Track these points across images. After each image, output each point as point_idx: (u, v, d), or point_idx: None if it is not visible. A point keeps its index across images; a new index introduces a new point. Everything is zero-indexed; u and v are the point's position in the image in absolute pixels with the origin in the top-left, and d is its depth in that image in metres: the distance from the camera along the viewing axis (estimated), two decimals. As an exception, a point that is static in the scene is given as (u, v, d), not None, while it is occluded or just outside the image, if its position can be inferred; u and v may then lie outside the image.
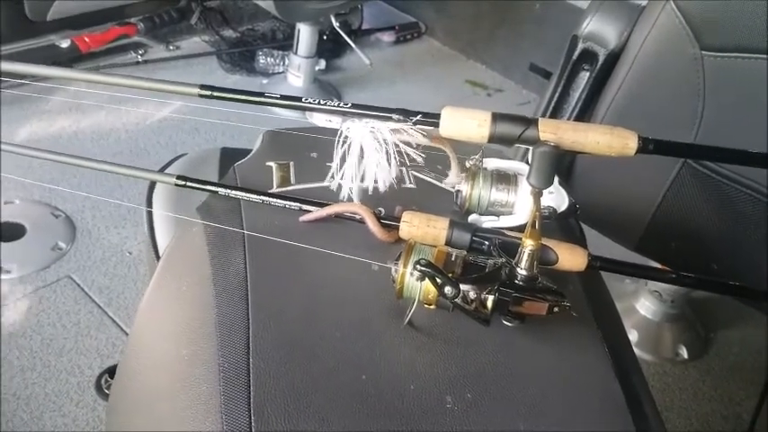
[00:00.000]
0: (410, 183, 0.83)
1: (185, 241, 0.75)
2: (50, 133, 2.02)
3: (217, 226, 0.71)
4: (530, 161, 0.72)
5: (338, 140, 0.71)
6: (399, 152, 0.71)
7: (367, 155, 0.71)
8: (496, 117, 0.68)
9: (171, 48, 2.48)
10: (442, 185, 0.84)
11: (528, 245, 0.61)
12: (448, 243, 0.72)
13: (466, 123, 0.69)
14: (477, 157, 0.79)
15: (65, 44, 2.17)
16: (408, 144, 0.71)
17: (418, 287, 0.62)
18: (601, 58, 1.14)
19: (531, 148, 0.71)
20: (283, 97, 0.72)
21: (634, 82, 1.11)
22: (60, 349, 1.46)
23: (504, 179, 0.77)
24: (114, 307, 1.57)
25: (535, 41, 2.64)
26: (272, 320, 0.63)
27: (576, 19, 1.19)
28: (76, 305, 1.56)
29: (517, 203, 0.76)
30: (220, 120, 0.81)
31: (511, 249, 0.70)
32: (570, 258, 0.71)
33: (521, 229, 0.75)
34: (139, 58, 2.36)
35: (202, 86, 0.73)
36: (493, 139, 0.69)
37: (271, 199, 0.74)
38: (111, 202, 1.74)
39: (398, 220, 0.73)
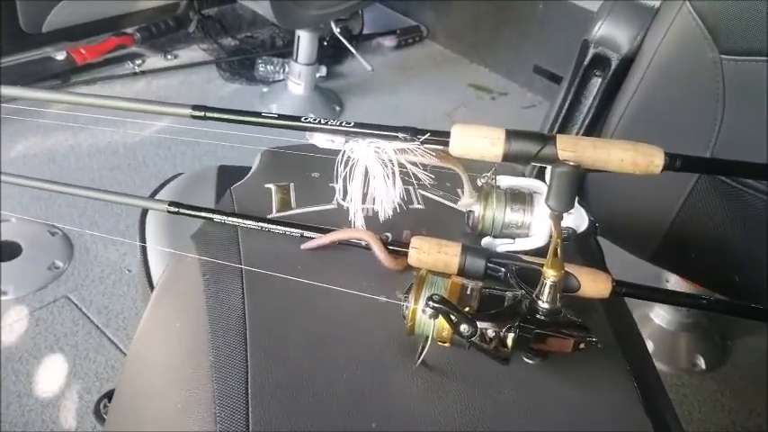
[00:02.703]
0: (418, 203, 0.78)
1: (179, 272, 0.70)
2: (47, 148, 1.98)
3: (212, 260, 0.66)
4: (548, 182, 0.67)
5: (341, 161, 0.66)
6: (407, 173, 0.66)
7: (372, 177, 0.66)
8: (510, 135, 0.63)
9: (169, 57, 2.43)
10: (452, 205, 0.79)
11: (550, 276, 0.56)
12: (461, 270, 0.67)
13: (478, 142, 0.64)
14: (489, 174, 0.74)
15: (60, 56, 2.12)
16: (416, 164, 0.66)
17: (431, 325, 0.57)
18: (613, 64, 1.09)
19: (548, 167, 0.66)
20: (281, 117, 0.67)
21: (649, 88, 1.06)
22: (58, 373, 1.41)
23: (520, 198, 0.72)
24: (113, 327, 1.52)
25: (539, 43, 2.58)
26: (273, 363, 0.58)
27: (581, 19, 1.14)
28: (74, 326, 1.51)
29: (533, 224, 0.71)
30: (217, 137, 0.76)
31: (530, 277, 0.65)
32: (593, 285, 0.66)
33: (538, 252, 0.70)
34: (137, 69, 2.31)
35: (195, 107, 0.68)
36: (507, 158, 0.64)
37: (270, 225, 0.70)
38: (98, 235, 1.69)
39: (407, 245, 0.68)
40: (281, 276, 0.64)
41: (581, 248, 0.76)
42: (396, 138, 0.65)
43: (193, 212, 0.70)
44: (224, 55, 2.49)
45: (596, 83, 1.12)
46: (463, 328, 0.54)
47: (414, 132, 0.65)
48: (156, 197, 0.87)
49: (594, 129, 1.15)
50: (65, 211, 1.77)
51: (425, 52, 2.80)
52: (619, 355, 0.65)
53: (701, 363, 1.71)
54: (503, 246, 0.71)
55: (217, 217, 0.70)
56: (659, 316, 1.75)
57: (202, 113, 0.68)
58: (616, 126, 1.11)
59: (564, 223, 0.70)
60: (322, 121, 0.66)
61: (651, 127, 1.08)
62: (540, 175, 0.78)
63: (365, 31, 2.67)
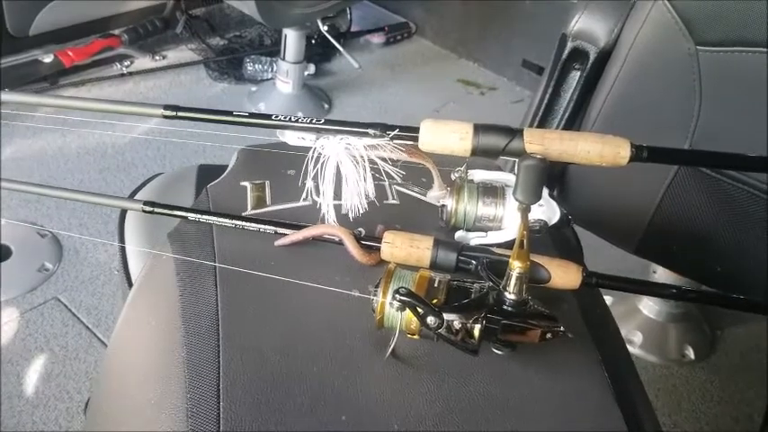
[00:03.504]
0: (393, 198, 0.79)
1: (156, 270, 0.71)
2: (36, 150, 1.98)
3: (186, 257, 0.67)
4: (517, 175, 0.67)
5: (311, 158, 0.67)
6: (379, 169, 0.67)
7: (344, 173, 0.67)
8: (479, 129, 0.64)
9: (157, 58, 2.44)
10: (425, 199, 0.80)
11: (516, 267, 0.57)
12: (433, 264, 0.67)
13: (447, 137, 0.64)
14: (461, 169, 0.75)
15: (48, 59, 2.12)
16: (386, 160, 0.67)
17: (399, 317, 0.57)
18: (591, 57, 1.09)
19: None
20: (252, 115, 0.68)
21: (626, 80, 1.06)
22: (48, 374, 1.42)
23: (492, 192, 0.73)
24: (103, 327, 1.53)
25: (527, 37, 2.59)
26: (245, 358, 0.59)
27: (569, 13, 1.14)
28: (64, 327, 1.52)
29: (506, 218, 0.72)
30: (203, 137, 0.77)
31: (500, 269, 0.66)
32: (563, 276, 0.66)
33: (510, 245, 0.71)
34: (125, 70, 2.32)
35: (166, 107, 0.69)
36: (476, 152, 0.64)
37: (244, 223, 0.70)
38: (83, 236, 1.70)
39: (380, 240, 0.69)
40: (254, 273, 0.65)
41: (555, 239, 0.76)
42: (366, 134, 0.66)
43: (168, 211, 0.71)
44: (212, 55, 2.50)
45: (575, 76, 1.13)
46: (430, 319, 0.55)
47: (383, 128, 0.66)
48: (136, 197, 0.88)
49: (574, 122, 1.16)
50: (54, 212, 1.77)
51: (414, 49, 2.81)
52: (590, 344, 0.66)
53: (691, 353, 1.72)
54: (475, 239, 0.72)
55: (191, 215, 0.70)
56: (648, 307, 1.76)
57: (174, 113, 0.68)
58: (595, 119, 1.12)
59: (535, 215, 0.71)
60: (292, 119, 0.67)
61: (630, 119, 1.09)
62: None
63: (353, 29, 2.67)
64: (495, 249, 0.68)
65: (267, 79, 2.40)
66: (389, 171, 0.66)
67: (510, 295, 0.57)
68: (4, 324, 1.50)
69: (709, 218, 1.09)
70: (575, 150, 0.64)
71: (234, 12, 2.62)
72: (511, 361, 0.60)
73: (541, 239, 0.73)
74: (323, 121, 0.67)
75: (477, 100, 2.54)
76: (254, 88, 2.38)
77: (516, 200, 0.63)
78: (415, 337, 0.59)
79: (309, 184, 0.68)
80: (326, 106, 2.35)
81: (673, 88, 1.03)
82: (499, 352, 0.58)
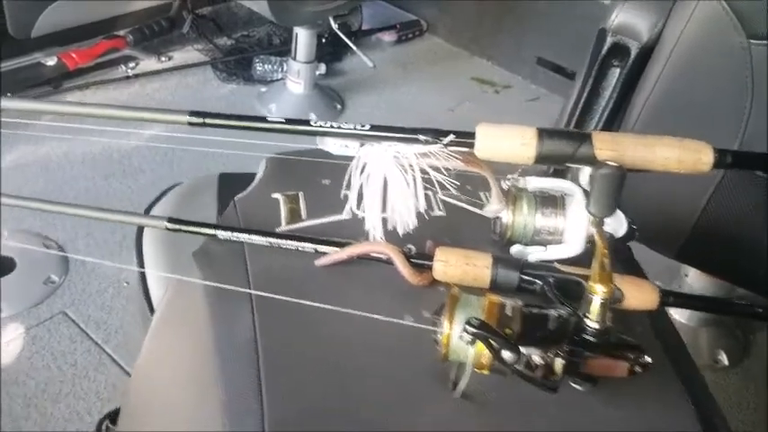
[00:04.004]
0: (439, 209, 0.72)
1: (181, 294, 0.64)
2: (39, 156, 1.91)
3: (218, 284, 0.60)
4: (583, 184, 0.61)
5: (355, 168, 0.60)
6: (426, 178, 0.60)
7: (392, 184, 0.60)
8: (543, 134, 0.57)
9: (163, 59, 2.36)
10: (477, 211, 0.73)
11: (598, 291, 0.50)
12: (492, 283, 0.61)
13: (507, 143, 0.58)
14: (514, 176, 0.68)
15: (51, 62, 2.05)
16: (438, 169, 0.60)
17: (469, 352, 0.50)
18: (633, 53, 1.02)
19: (580, 168, 0.60)
20: (289, 121, 0.61)
21: (672, 77, 1.00)
22: (57, 394, 1.35)
23: (551, 202, 0.66)
24: (113, 344, 1.46)
25: (541, 34, 2.52)
26: (290, 399, 0.52)
27: (585, 8, 1.08)
28: (72, 344, 1.45)
29: (567, 230, 0.65)
30: (213, 143, 0.70)
31: (569, 289, 0.59)
32: (638, 296, 0.60)
33: (574, 260, 0.64)
34: (130, 72, 2.24)
35: (192, 113, 0.62)
36: (540, 159, 0.58)
37: (280, 241, 0.63)
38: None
39: (431, 258, 0.62)
40: (296, 301, 0.58)
41: (618, 255, 0.69)
42: (416, 140, 0.59)
43: (195, 229, 0.64)
44: (219, 55, 2.42)
45: (614, 73, 1.06)
46: (506, 355, 0.48)
47: (435, 134, 0.59)
48: (153, 210, 0.81)
49: (613, 122, 1.09)
50: (58, 221, 1.70)
51: (426, 47, 2.73)
52: (670, 372, 0.59)
53: (724, 358, 1.65)
54: (534, 254, 0.65)
55: (221, 233, 0.64)
56: (679, 311, 1.69)
57: (201, 120, 0.61)
58: (637, 118, 1.05)
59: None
60: (334, 125, 0.60)
61: (675, 118, 1.02)
62: (556, 173, 0.73)
63: (364, 27, 2.60)
64: (560, 267, 0.61)
65: (277, 80, 2.33)
66: (443, 182, 0.59)
67: (592, 323, 0.50)
68: (8, 342, 1.43)
69: (759, 222, 1.02)
70: (651, 156, 0.57)
71: (241, 11, 2.54)
72: (589, 396, 0.53)
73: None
74: (368, 126, 0.60)
75: (492, 99, 2.47)
76: (263, 89, 2.31)
77: (590, 213, 0.56)
78: (483, 371, 0.52)
79: (353, 196, 0.61)
80: (339, 107, 2.28)
81: (723, 84, 0.97)
82: (578, 387, 0.52)
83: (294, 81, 2.23)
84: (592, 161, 0.56)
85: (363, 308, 0.59)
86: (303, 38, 2.13)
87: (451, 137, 0.58)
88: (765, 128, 0.93)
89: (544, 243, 0.66)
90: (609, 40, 1.04)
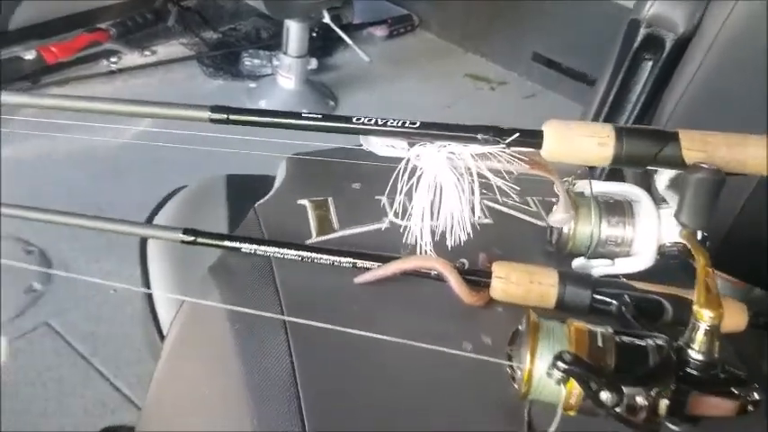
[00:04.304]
0: (486, 217, 0.64)
1: (198, 317, 0.56)
2: (23, 158, 1.79)
3: (243, 308, 0.51)
4: (666, 190, 0.53)
5: (403, 171, 0.52)
6: (487, 184, 0.52)
7: (445, 191, 0.52)
8: (623, 132, 0.50)
9: (147, 53, 2.26)
10: (523, 216, 0.65)
11: (706, 318, 0.43)
12: (559, 303, 0.53)
13: (581, 142, 0.50)
14: (570, 179, 0.60)
15: (30, 56, 1.94)
16: (498, 173, 0.52)
17: (558, 392, 0.42)
18: (668, 45, 0.95)
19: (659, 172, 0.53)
20: (326, 117, 0.53)
21: (710, 72, 0.92)
22: (42, 412, 1.25)
23: (618, 209, 0.58)
24: (101, 357, 1.36)
25: (536, 29, 2.46)
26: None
27: (581, 2, 1.00)
28: (58, 357, 1.35)
29: (636, 241, 0.57)
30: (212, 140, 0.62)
31: (650, 310, 0.52)
32: (726, 316, 0.52)
33: (644, 275, 0.57)
34: (113, 67, 2.14)
35: (214, 108, 0.53)
36: (618, 160, 0.50)
37: (314, 255, 0.55)
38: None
39: (486, 274, 0.54)
40: (338, 329, 0.50)
41: (687, 268, 0.62)
42: (474, 140, 0.51)
43: (216, 242, 0.56)
44: (206, 49, 2.33)
45: (646, 67, 0.99)
46: (605, 397, 0.40)
47: (496, 132, 0.51)
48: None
49: (644, 118, 1.02)
50: (40, 224, 1.59)
51: (418, 42, 2.66)
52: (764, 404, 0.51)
53: None
54: (600, 268, 0.58)
55: (246, 246, 0.55)
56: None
57: (224, 116, 0.53)
58: (671, 115, 0.98)
59: (674, 236, 0.57)
60: (379, 122, 0.52)
61: (713, 114, 0.95)
62: (612, 175, 0.65)
63: (354, 21, 2.52)
64: (636, 284, 0.54)
65: (266, 75, 2.24)
66: (506, 188, 0.51)
67: (697, 355, 0.43)
68: (-13, 355, 1.34)
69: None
70: (744, 157, 0.50)
71: (228, 3, 2.45)
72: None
73: (671, 267, 0.59)
74: (418, 124, 0.52)
75: (488, 95, 2.40)
76: (253, 84, 2.22)
77: (681, 224, 0.49)
78: (569, 413, 0.44)
79: (396, 202, 0.53)
80: (332, 103, 2.19)
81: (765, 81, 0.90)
82: (675, 428, 0.44)
83: (285, 76, 2.14)
84: (678, 163, 0.49)
85: (415, 333, 0.51)
86: (295, 31, 2.04)
87: (516, 135, 0.50)
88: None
89: (609, 255, 0.58)
90: (642, 32, 0.97)
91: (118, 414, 1.28)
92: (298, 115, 0.52)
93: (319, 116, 0.52)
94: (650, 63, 0.99)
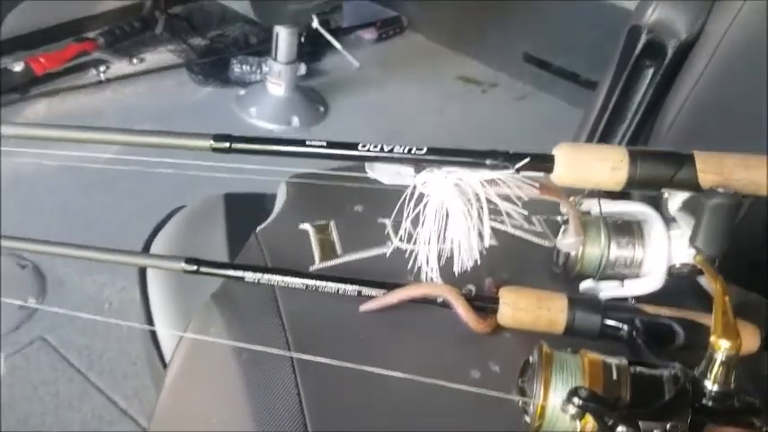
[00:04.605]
0: (491, 239, 0.63)
1: (203, 347, 0.55)
2: (10, 169, 1.77)
3: (248, 344, 0.50)
4: (679, 212, 0.53)
5: (409, 197, 0.51)
6: (496, 210, 0.52)
7: (452, 218, 0.51)
8: (636, 155, 0.49)
9: (135, 62, 2.23)
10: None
11: (722, 348, 0.42)
12: (568, 329, 0.52)
13: (593, 167, 0.49)
14: (577, 198, 0.59)
15: (18, 67, 1.92)
16: (507, 198, 0.51)
17: (570, 426, 0.42)
18: (670, 52, 0.95)
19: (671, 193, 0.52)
20: (331, 144, 0.52)
21: (715, 77, 0.92)
22: (39, 427, 1.24)
23: (627, 230, 0.58)
24: (97, 371, 1.35)
25: (527, 30, 2.45)
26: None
27: (571, 2, 0.99)
28: (54, 372, 1.34)
29: (646, 262, 0.57)
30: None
31: (661, 334, 0.51)
32: (738, 339, 0.52)
33: (654, 297, 0.56)
34: (102, 77, 2.11)
35: (216, 137, 0.52)
36: (632, 184, 0.49)
37: (318, 283, 0.54)
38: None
39: (494, 299, 0.54)
40: (342, 351, 0.49)
41: (695, 288, 0.61)
42: (482, 165, 0.50)
43: (219, 271, 0.55)
44: (194, 56, 2.31)
45: (647, 74, 0.98)
46: (621, 431, 0.40)
47: (506, 158, 0.50)
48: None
49: (644, 127, 1.01)
50: (32, 233, 1.57)
51: (408, 44, 2.64)
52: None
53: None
54: (608, 290, 0.57)
55: (249, 275, 0.54)
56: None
57: (226, 145, 0.52)
58: (672, 123, 0.97)
59: (682, 257, 0.56)
60: (385, 149, 0.51)
61: (716, 122, 0.95)
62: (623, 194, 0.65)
63: (343, 25, 2.51)
64: (645, 307, 0.53)
65: (256, 81, 2.22)
66: (515, 214, 0.50)
67: (713, 386, 0.42)
68: (-17, 372, 1.32)
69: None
70: (761, 179, 0.49)
71: (215, 9, 2.43)
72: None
73: (678, 286, 0.58)
74: (425, 150, 0.51)
75: (479, 98, 2.40)
76: (242, 92, 2.21)
77: (697, 249, 0.48)
78: (584, 446, 0.43)
79: (402, 228, 0.52)
80: (322, 109, 2.18)
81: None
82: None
83: (275, 83, 2.12)
84: (694, 186, 0.48)
85: (423, 362, 0.51)
86: (284, 37, 2.02)
87: (527, 160, 0.49)
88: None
89: (618, 277, 0.58)
90: (644, 38, 0.96)
91: (115, 427, 1.27)
92: (302, 143, 0.51)
93: (323, 143, 0.51)
94: (652, 69, 0.98)
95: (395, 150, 0.51)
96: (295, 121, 2.09)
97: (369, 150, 0.51)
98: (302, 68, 2.19)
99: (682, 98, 0.95)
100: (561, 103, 2.29)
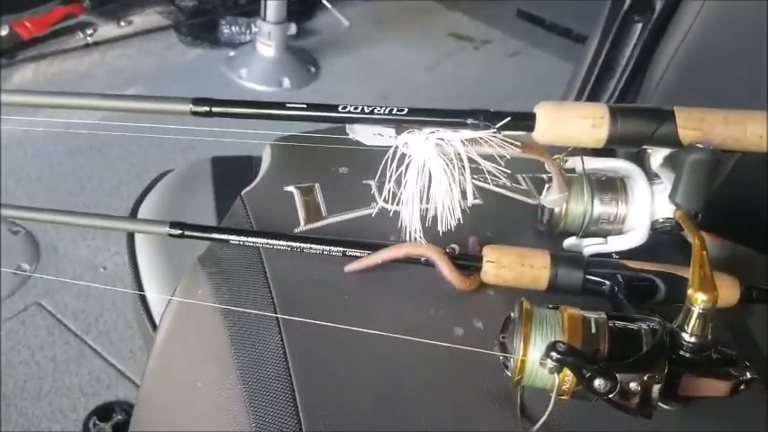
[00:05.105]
0: (475, 197, 0.63)
1: (189, 309, 0.55)
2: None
3: (236, 308, 0.51)
4: (661, 168, 0.53)
5: (391, 159, 0.51)
6: (477, 168, 0.52)
7: (434, 178, 0.51)
8: (617, 112, 0.49)
9: (122, 24, 2.21)
10: (512, 194, 0.65)
11: (700, 301, 0.43)
12: (551, 285, 0.53)
13: (574, 124, 0.49)
14: (562, 156, 0.60)
15: (3, 32, 1.90)
16: (490, 158, 0.51)
17: (551, 380, 0.42)
18: (658, 6, 0.94)
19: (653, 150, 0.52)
20: (311, 107, 0.52)
21: (703, 32, 0.91)
22: (37, 392, 1.25)
23: (610, 186, 0.58)
24: (93, 334, 1.36)
25: (520, -16, 2.44)
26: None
27: None
28: (50, 336, 1.35)
29: (629, 218, 0.57)
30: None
31: (643, 289, 0.52)
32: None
33: (637, 252, 0.56)
34: (89, 40, 2.09)
35: (196, 101, 0.52)
36: (613, 141, 0.50)
37: (303, 245, 0.54)
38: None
39: (477, 258, 0.54)
40: (326, 303, 0.50)
41: (676, 244, 0.61)
42: (463, 125, 0.50)
43: (203, 234, 0.55)
44: (182, 18, 2.28)
45: (636, 30, 0.98)
46: (598, 383, 0.41)
47: (487, 117, 0.50)
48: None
49: (633, 83, 1.01)
50: (23, 200, 1.58)
51: (399, 1, 2.62)
52: (758, 383, 0.52)
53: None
54: (591, 247, 0.58)
55: (234, 238, 0.55)
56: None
57: (206, 109, 0.52)
58: (660, 78, 0.97)
59: (665, 212, 0.56)
60: (365, 110, 0.51)
61: (704, 77, 0.94)
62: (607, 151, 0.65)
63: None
64: (629, 263, 0.54)
65: (245, 42, 2.20)
66: (494, 171, 0.51)
67: (690, 338, 0.43)
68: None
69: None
70: (742, 135, 0.49)
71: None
72: (682, 416, 0.46)
73: (661, 242, 0.59)
74: (406, 110, 0.51)
75: (471, 55, 2.38)
76: (232, 53, 2.19)
77: (676, 204, 0.49)
78: (564, 398, 0.44)
79: (385, 189, 0.52)
80: (313, 69, 2.16)
81: (760, 39, 0.89)
82: (667, 407, 0.44)
83: (264, 43, 2.10)
84: (674, 142, 0.48)
85: (407, 320, 0.52)
86: (273, -4, 2.00)
87: (508, 119, 0.49)
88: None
89: (602, 233, 0.58)
90: (632, -8, 0.95)
91: (113, 389, 1.28)
92: (282, 105, 0.51)
93: (304, 105, 0.51)
94: (640, 25, 0.98)
95: (375, 111, 0.51)
96: (286, 82, 2.08)
97: (349, 112, 0.51)
98: (292, 28, 2.17)
99: (670, 53, 0.94)
100: (554, 59, 2.27)
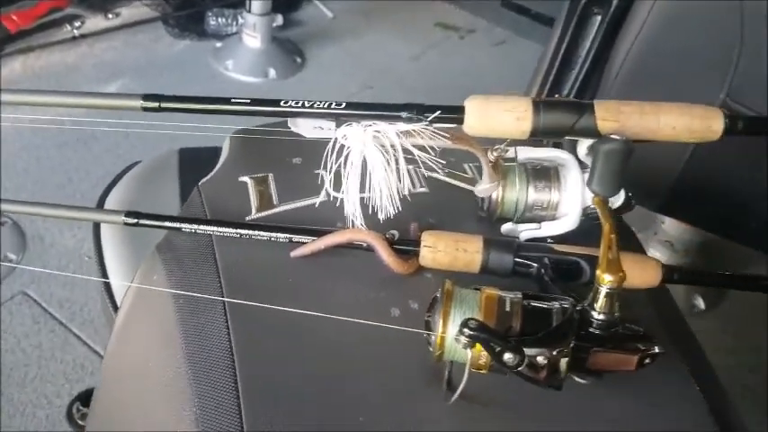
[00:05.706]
0: (421, 186, 0.67)
1: (146, 293, 0.58)
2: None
3: (187, 293, 0.54)
4: (587, 157, 0.56)
5: (331, 150, 0.54)
6: (413, 158, 0.55)
7: (372, 168, 0.54)
8: (540, 105, 0.52)
9: (110, 16, 2.24)
10: (458, 183, 0.68)
11: (606, 282, 0.46)
12: (483, 268, 0.56)
13: (500, 117, 0.52)
14: (502, 146, 0.63)
15: (-10, 26, 1.93)
16: (423, 148, 0.55)
17: (466, 354, 0.46)
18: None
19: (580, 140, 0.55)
20: (255, 102, 0.55)
21: (656, 25, 0.94)
22: (23, 379, 1.29)
23: (544, 175, 0.61)
24: (78, 322, 1.39)
25: (505, -27, 2.45)
26: (273, 411, 0.47)
27: None
28: (36, 324, 1.38)
29: (562, 204, 0.60)
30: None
31: (569, 271, 0.55)
32: (641, 274, 0.56)
33: (570, 236, 0.60)
34: (76, 33, 2.12)
35: (146, 96, 0.55)
36: (537, 133, 0.53)
37: (251, 232, 0.58)
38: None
39: (416, 242, 0.57)
40: (270, 286, 0.53)
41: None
42: (398, 118, 0.53)
43: (156, 223, 0.58)
44: (170, 10, 2.30)
45: (595, 22, 1.01)
46: (507, 357, 0.44)
47: (420, 110, 0.53)
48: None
49: (593, 74, 1.04)
50: (10, 192, 1.61)
51: (384, -9, 2.64)
52: (677, 357, 0.55)
53: (700, 303, 1.64)
54: (527, 232, 0.61)
55: (185, 226, 0.58)
56: (650, 251, 1.67)
57: (156, 104, 0.55)
58: (618, 70, 1.00)
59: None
60: (306, 104, 0.54)
61: (659, 68, 0.98)
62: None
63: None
64: (555, 247, 0.57)
65: (232, 34, 2.23)
66: (431, 163, 0.54)
67: (599, 315, 0.46)
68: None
69: (745, 172, 0.99)
70: (657, 126, 0.52)
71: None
72: (594, 389, 0.50)
73: (596, 228, 0.62)
74: (344, 104, 0.54)
75: (456, 45, 2.41)
76: (218, 44, 2.21)
77: (593, 192, 0.52)
78: (482, 372, 0.47)
79: (329, 178, 0.56)
80: (299, 60, 2.19)
81: (712, 34, 0.92)
82: (582, 381, 0.48)
83: (250, 35, 2.13)
84: (594, 133, 0.51)
85: (346, 302, 0.55)
86: (258, -12, 2.03)
87: (438, 113, 0.52)
88: (753, 80, 0.89)
89: (536, 219, 0.61)
90: (590, -14, 0.98)
91: (96, 375, 1.31)
92: (227, 101, 0.54)
93: (247, 101, 0.54)
94: (599, 17, 1.01)
95: (315, 105, 0.54)
96: (272, 72, 2.10)
97: (291, 106, 0.54)
98: (278, 19, 2.19)
99: (627, 45, 0.98)
100: (539, 48, 2.29)
